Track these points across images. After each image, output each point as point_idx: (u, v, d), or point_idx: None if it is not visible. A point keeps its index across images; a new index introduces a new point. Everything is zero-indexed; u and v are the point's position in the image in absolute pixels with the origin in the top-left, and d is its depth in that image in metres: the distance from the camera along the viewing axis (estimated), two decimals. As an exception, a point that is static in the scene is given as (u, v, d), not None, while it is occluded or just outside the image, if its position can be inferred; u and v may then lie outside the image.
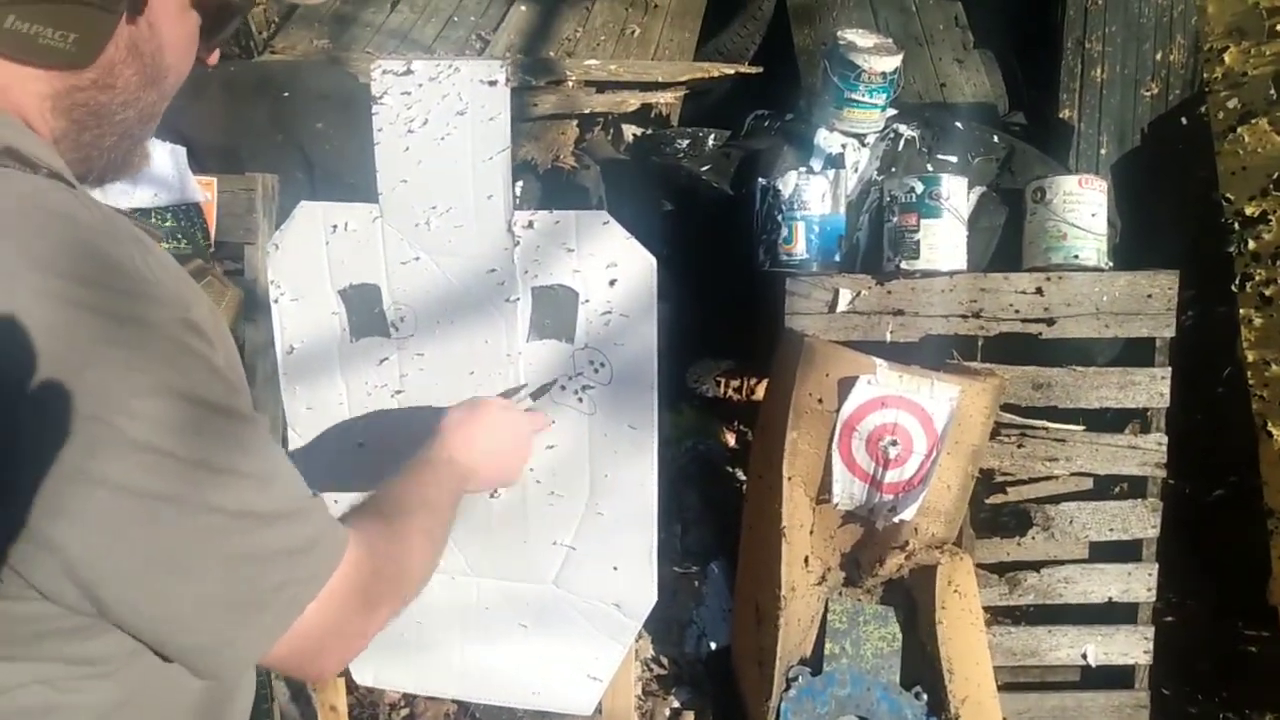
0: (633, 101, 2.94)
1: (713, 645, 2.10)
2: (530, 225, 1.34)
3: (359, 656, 1.63)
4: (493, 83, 1.30)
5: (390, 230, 1.39)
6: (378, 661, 1.58)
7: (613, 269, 1.34)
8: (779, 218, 2.02)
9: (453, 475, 1.08)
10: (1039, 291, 1.91)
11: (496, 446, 1.16)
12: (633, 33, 3.13)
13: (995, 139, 2.17)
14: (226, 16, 0.85)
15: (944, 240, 1.91)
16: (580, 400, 1.39)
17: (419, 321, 1.42)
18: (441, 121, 1.32)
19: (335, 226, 1.40)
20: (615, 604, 1.44)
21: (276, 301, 1.46)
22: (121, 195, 2.55)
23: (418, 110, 1.33)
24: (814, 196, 1.99)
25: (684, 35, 3.12)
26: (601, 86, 2.96)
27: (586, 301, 1.35)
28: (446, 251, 1.37)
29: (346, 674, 1.62)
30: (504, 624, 1.51)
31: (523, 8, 3.27)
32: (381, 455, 1.51)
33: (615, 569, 1.43)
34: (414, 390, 1.46)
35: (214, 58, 0.90)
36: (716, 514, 2.25)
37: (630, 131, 3.00)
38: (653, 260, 1.33)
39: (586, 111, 2.93)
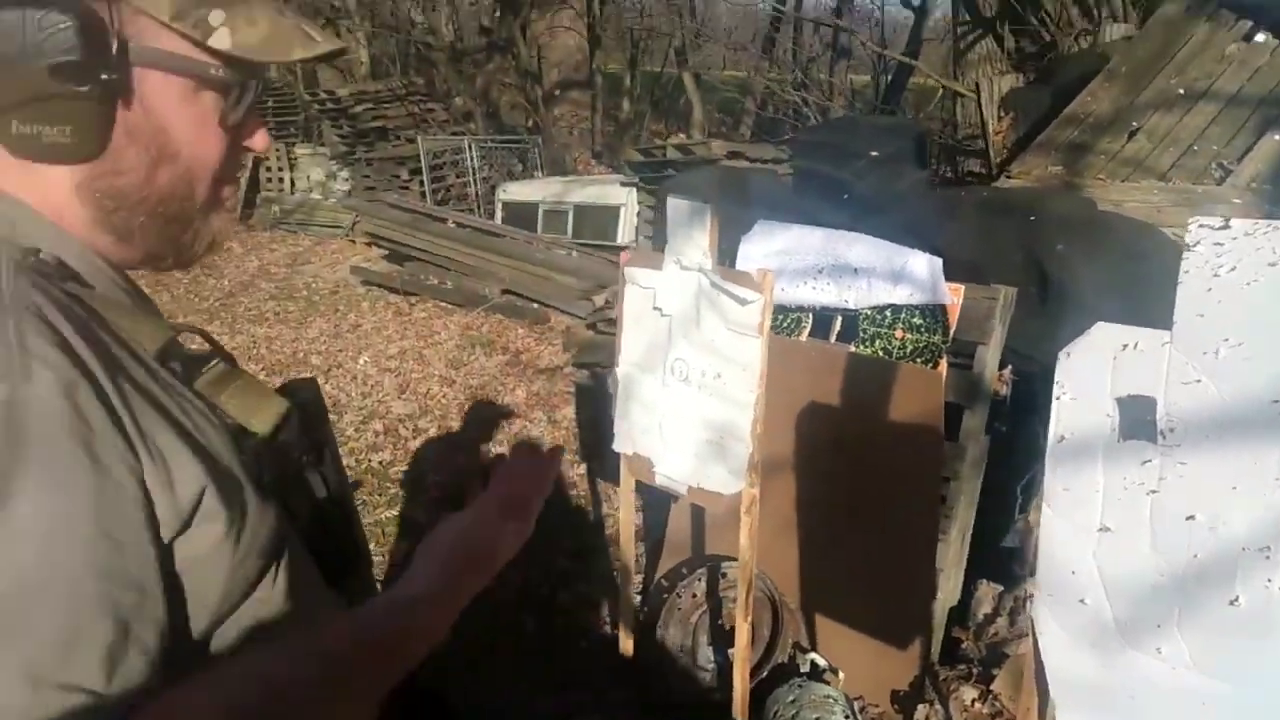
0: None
1: None
2: (1322, 366, 1.47)
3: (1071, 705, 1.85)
4: (1309, 239, 1.48)
5: (1177, 354, 1.63)
6: None
7: None
8: None
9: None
10: None
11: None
12: None
13: None
14: (242, 92, 0.85)
15: None
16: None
17: (1188, 433, 1.63)
18: (1249, 269, 1.53)
19: (1125, 345, 1.69)
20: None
21: (1059, 398, 1.79)
22: (884, 292, 3.18)
23: (1227, 258, 1.55)
24: None
25: None
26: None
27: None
28: (1230, 379, 1.57)
29: None
30: (1228, 728, 1.62)
31: (1277, 137, 3.21)
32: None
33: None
34: (1169, 491, 1.67)
35: (260, 140, 0.91)
36: None
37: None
38: None
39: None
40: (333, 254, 10.32)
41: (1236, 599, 1.54)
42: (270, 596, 0.84)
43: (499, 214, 9.90)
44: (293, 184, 11.96)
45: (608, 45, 15.29)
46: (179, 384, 0.80)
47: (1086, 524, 1.74)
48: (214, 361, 0.84)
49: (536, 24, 14.20)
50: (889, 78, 12.93)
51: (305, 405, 0.92)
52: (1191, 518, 1.59)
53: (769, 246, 3.53)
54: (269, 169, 12.04)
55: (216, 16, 0.78)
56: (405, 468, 4.92)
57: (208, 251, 0.89)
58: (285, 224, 11.40)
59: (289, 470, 0.89)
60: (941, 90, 8.94)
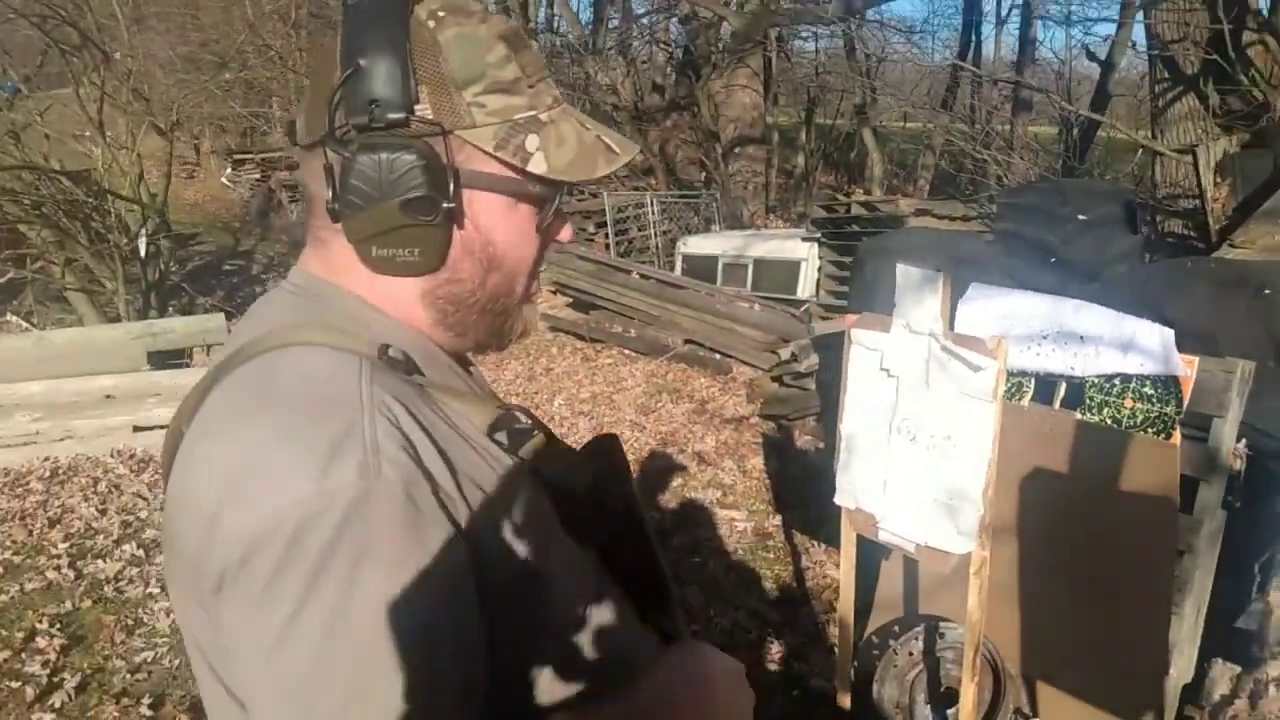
0: None
1: None
2: None
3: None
4: None
5: None
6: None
7: None
8: None
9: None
10: None
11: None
12: None
13: None
14: (550, 201, 0.93)
15: None
16: None
17: None
18: None
19: None
20: None
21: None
22: (1114, 360, 3.18)
23: None
24: None
25: None
26: None
27: None
28: None
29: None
30: None
31: None
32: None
33: None
34: None
35: (566, 233, 1.00)
36: None
37: None
38: None
39: None
40: (521, 301, 10.90)
41: None
42: (595, 632, 0.95)
43: (679, 266, 10.23)
44: (484, 234, 12.69)
45: (782, 100, 15.55)
46: (503, 453, 0.90)
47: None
48: (534, 433, 0.94)
49: (713, 83, 14.65)
50: (1078, 132, 12.57)
51: (608, 461, 1.03)
52: None
53: (988, 309, 3.59)
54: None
55: (532, 142, 0.87)
56: (606, 509, 5.17)
57: (520, 337, 1.01)
58: (477, 271, 12.11)
59: (600, 521, 0.98)
60: (1140, 149, 8.67)
